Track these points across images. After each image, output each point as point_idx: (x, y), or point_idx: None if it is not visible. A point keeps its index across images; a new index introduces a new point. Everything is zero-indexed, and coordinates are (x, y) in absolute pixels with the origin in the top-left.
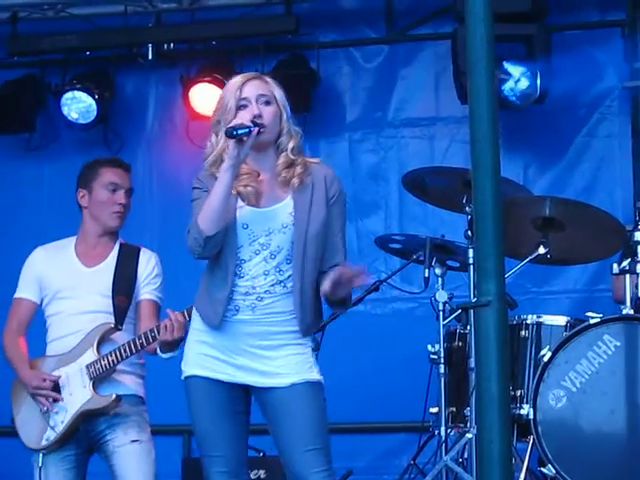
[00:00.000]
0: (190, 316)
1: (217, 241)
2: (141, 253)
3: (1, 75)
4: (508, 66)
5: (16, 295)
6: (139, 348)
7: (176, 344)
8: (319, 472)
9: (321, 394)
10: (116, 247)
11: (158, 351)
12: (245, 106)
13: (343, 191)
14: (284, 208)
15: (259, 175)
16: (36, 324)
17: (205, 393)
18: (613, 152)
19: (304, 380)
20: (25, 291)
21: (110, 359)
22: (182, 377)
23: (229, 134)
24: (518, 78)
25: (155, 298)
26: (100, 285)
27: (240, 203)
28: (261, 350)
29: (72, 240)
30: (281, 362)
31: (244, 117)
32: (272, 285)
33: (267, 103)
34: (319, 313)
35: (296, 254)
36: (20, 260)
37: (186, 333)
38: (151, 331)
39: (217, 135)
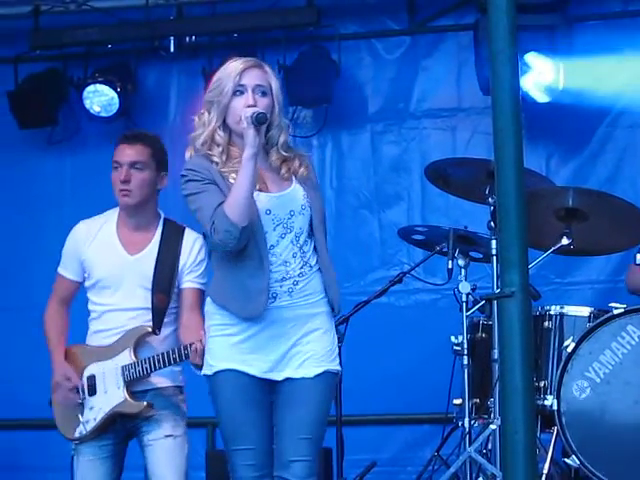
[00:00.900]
0: None
1: (249, 230)
2: (185, 235)
3: (23, 69)
4: (530, 58)
5: (59, 269)
6: (172, 362)
7: None
8: (304, 461)
9: (335, 385)
10: (159, 228)
11: (193, 368)
12: (241, 92)
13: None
14: (297, 191)
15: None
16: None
17: (236, 386)
18: (636, 142)
19: (326, 370)
20: (66, 268)
21: (145, 366)
22: (209, 372)
23: (261, 121)
24: (542, 71)
25: (198, 285)
26: (142, 276)
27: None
28: (297, 335)
29: (114, 217)
30: (312, 346)
31: (239, 104)
32: (302, 267)
33: (263, 94)
34: (338, 289)
35: (317, 232)
36: (41, 254)
37: None
38: (185, 348)
39: (210, 114)
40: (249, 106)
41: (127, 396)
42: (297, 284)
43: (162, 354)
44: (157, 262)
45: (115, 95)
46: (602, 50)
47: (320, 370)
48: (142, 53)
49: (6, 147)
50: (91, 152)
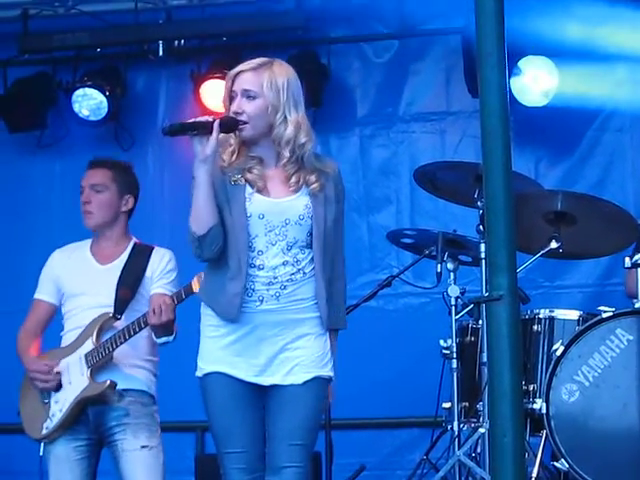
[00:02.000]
0: (179, 299)
1: (213, 238)
2: (154, 252)
3: (12, 73)
4: (526, 63)
5: (35, 295)
6: (132, 334)
7: (169, 328)
8: (296, 467)
9: (326, 390)
10: (129, 247)
11: (153, 336)
12: (234, 98)
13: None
14: (300, 200)
15: (262, 161)
16: (55, 325)
17: (225, 389)
18: (624, 146)
19: (317, 376)
20: (43, 293)
21: (106, 346)
22: (199, 374)
23: (170, 131)
24: (537, 76)
25: (167, 292)
26: (110, 282)
27: (249, 190)
28: (285, 340)
29: (88, 242)
30: (302, 352)
31: (232, 110)
32: (293, 273)
33: (250, 98)
34: (338, 308)
35: (316, 246)
36: (31, 257)
37: (175, 316)
38: (143, 316)
39: None
40: (234, 112)
41: (91, 380)
42: (285, 288)
43: (122, 329)
44: (124, 268)
45: (104, 99)
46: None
47: (309, 376)
48: (131, 57)
49: None
50: (80, 156)
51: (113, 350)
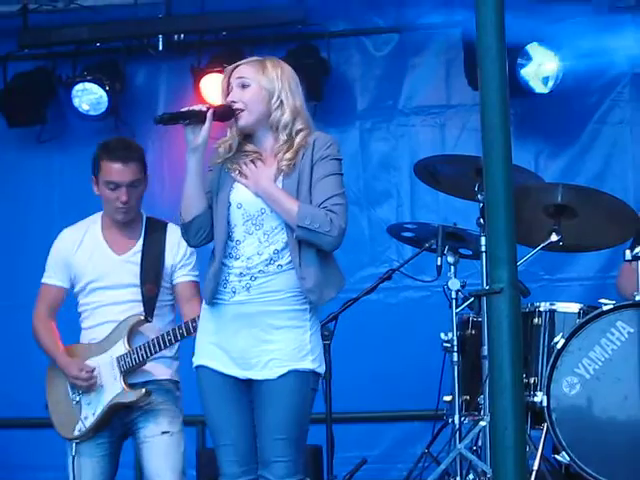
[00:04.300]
0: None
1: (200, 225)
2: (168, 232)
3: (12, 67)
4: (532, 49)
5: (44, 280)
6: (167, 344)
7: None
8: (283, 461)
9: (308, 383)
10: (142, 227)
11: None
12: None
13: (333, 153)
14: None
15: (260, 154)
16: (69, 308)
17: (210, 383)
18: (625, 139)
19: (293, 369)
20: (54, 277)
21: (140, 353)
22: (194, 367)
23: (160, 121)
24: (542, 62)
25: (193, 278)
26: (130, 274)
27: (235, 184)
28: (260, 332)
29: (98, 220)
30: (277, 346)
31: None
32: (266, 265)
33: (244, 86)
34: (329, 283)
35: (289, 233)
36: (31, 251)
37: None
38: (179, 328)
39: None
40: (230, 102)
41: (124, 386)
42: (255, 279)
43: (156, 337)
44: (143, 258)
45: (104, 93)
46: (590, 46)
47: (284, 370)
48: (131, 51)
49: None
50: (80, 150)
51: (147, 358)
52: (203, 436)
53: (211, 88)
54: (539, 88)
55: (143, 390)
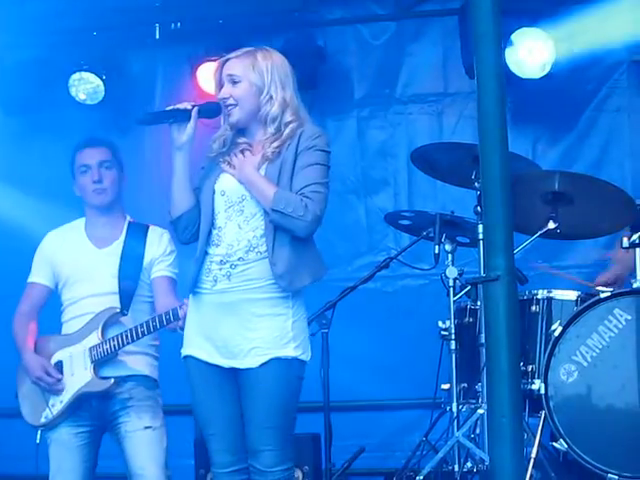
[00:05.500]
0: None
1: (187, 222)
2: (149, 232)
3: (9, 56)
4: (518, 36)
5: (29, 279)
6: (140, 336)
7: None
8: (270, 450)
9: (292, 371)
10: (125, 226)
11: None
12: (222, 86)
13: (319, 143)
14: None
15: (250, 145)
16: (53, 307)
17: (197, 372)
18: (622, 126)
19: (275, 357)
20: (38, 275)
21: (112, 343)
22: (182, 357)
23: (142, 122)
24: (532, 49)
25: (169, 274)
26: (111, 267)
27: (222, 174)
28: (242, 320)
29: (82, 222)
30: (259, 334)
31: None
32: (246, 252)
33: (234, 82)
34: (302, 270)
35: (266, 219)
36: (28, 242)
37: None
38: (152, 320)
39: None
40: (222, 99)
41: (93, 375)
42: (235, 267)
43: (130, 329)
44: (123, 252)
45: (101, 83)
46: (587, 33)
47: (265, 359)
48: (127, 40)
49: None
50: (76, 140)
51: (118, 349)
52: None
53: (208, 77)
54: (532, 74)
55: (112, 380)
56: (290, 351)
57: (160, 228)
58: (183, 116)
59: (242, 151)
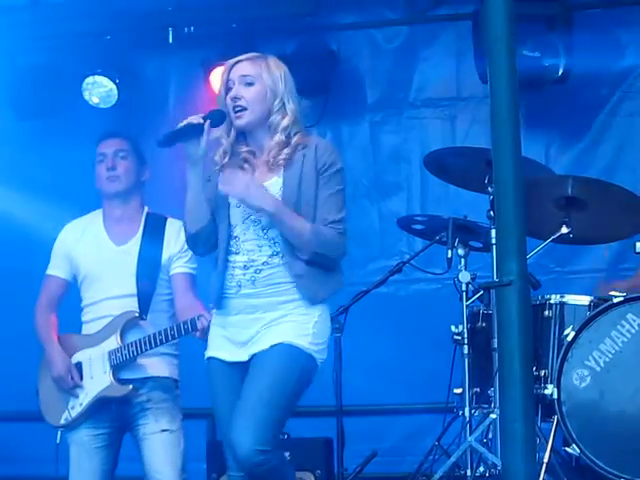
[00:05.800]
0: None
1: (206, 236)
2: (167, 225)
3: (22, 60)
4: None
5: (47, 272)
6: (158, 343)
7: None
8: (246, 424)
9: (299, 360)
10: (143, 219)
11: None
12: (231, 88)
13: (337, 161)
14: (274, 185)
15: (254, 153)
16: (72, 300)
17: (219, 374)
18: (635, 131)
19: (288, 342)
20: (56, 268)
21: (131, 349)
22: (205, 358)
23: (157, 144)
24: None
25: (188, 270)
26: (128, 265)
27: None
28: (265, 322)
29: (100, 214)
30: (280, 328)
31: (228, 99)
32: (270, 256)
33: (249, 84)
34: (325, 278)
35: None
36: (42, 245)
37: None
38: (171, 329)
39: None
40: (232, 98)
41: (112, 380)
42: (260, 272)
43: (148, 336)
44: (141, 250)
45: (114, 86)
46: (601, 38)
47: (277, 341)
48: (141, 44)
49: (5, 139)
50: (90, 144)
51: (138, 355)
52: (213, 429)
53: None
54: None
55: (130, 386)
56: (304, 342)
57: (178, 221)
58: (197, 131)
59: (241, 167)
